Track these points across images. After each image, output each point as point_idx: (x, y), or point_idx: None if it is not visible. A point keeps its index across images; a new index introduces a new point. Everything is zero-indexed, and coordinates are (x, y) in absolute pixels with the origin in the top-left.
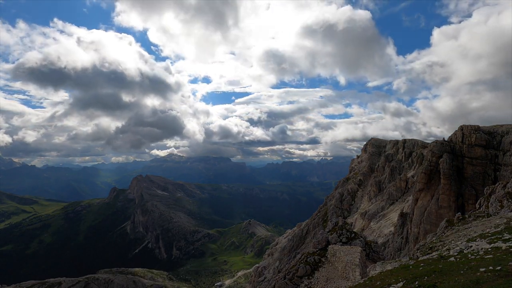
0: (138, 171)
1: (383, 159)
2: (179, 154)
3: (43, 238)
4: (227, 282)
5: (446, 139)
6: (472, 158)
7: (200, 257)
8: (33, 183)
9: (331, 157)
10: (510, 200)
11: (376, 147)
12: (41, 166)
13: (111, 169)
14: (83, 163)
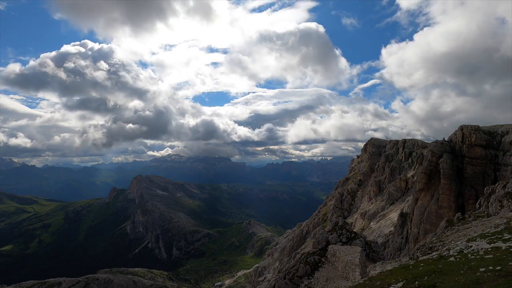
0: (138, 171)
1: (383, 159)
2: (177, 154)
3: (43, 238)
4: (227, 282)
5: (446, 139)
6: (472, 158)
7: (200, 257)
8: (33, 183)
9: (331, 157)
10: (510, 200)
11: (376, 147)
12: (41, 166)
13: (111, 169)
14: (82, 163)
